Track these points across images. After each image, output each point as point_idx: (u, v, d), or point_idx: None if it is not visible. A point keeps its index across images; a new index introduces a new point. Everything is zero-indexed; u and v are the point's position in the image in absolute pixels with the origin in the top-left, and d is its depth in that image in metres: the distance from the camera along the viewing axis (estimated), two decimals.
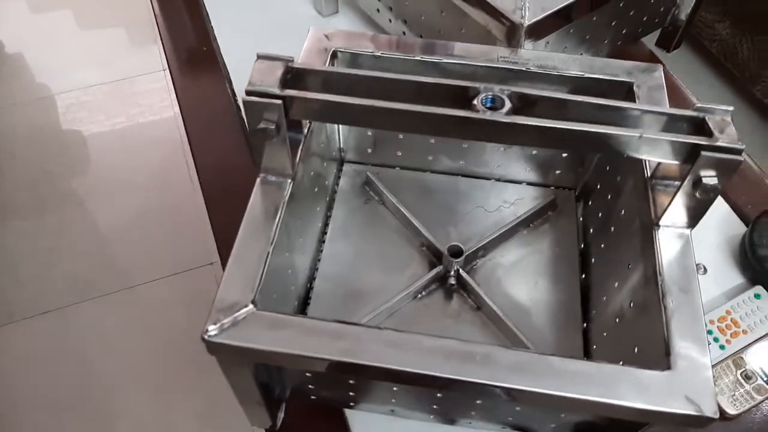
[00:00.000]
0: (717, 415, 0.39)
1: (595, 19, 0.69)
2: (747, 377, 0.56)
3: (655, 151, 0.45)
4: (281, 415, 0.55)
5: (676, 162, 0.46)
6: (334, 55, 0.57)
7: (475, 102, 0.44)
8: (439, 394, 0.49)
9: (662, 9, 0.78)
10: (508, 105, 0.44)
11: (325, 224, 0.65)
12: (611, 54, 0.76)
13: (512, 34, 0.60)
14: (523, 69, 0.56)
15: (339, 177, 0.68)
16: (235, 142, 0.76)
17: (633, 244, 0.52)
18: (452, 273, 0.60)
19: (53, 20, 1.99)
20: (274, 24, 0.87)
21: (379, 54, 0.57)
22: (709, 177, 0.45)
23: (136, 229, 1.53)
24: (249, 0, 0.90)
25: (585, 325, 0.59)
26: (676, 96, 0.78)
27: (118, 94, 1.82)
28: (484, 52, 0.57)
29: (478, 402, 0.50)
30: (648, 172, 0.52)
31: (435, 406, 0.52)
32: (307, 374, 0.50)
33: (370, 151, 0.68)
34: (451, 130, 0.45)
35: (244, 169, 0.72)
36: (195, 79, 0.87)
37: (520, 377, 0.41)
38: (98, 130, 1.75)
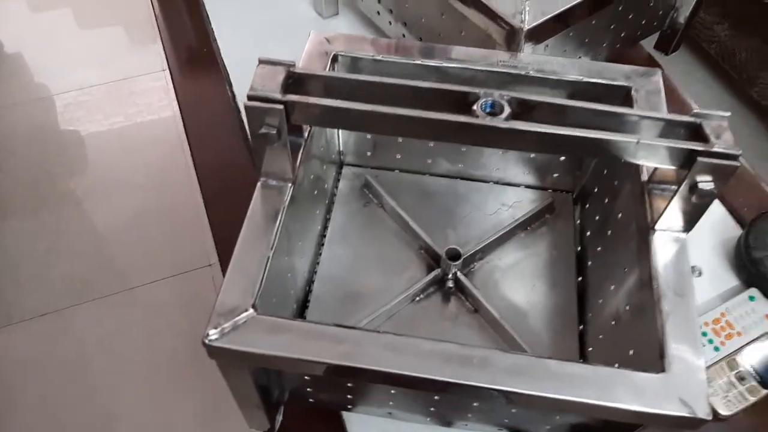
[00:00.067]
0: (710, 417, 0.40)
1: (594, 22, 0.69)
2: (741, 378, 0.57)
3: (652, 156, 0.46)
4: (279, 417, 0.56)
5: (673, 167, 0.46)
6: (334, 59, 0.57)
7: (474, 107, 0.45)
8: (436, 397, 0.50)
9: (661, 12, 0.79)
10: (507, 110, 0.45)
11: (324, 227, 0.65)
12: (610, 57, 0.76)
13: (512, 38, 0.60)
14: (522, 73, 0.56)
15: (338, 180, 0.69)
16: (235, 143, 0.77)
17: (629, 248, 0.53)
18: (450, 276, 0.61)
19: (53, 19, 1.99)
20: (274, 25, 0.87)
21: (379, 58, 0.57)
22: (705, 182, 0.45)
23: (134, 230, 1.53)
24: (249, 1, 0.90)
25: (581, 327, 0.59)
26: (674, 99, 0.78)
27: (117, 93, 1.82)
28: (484, 55, 0.57)
29: (475, 404, 0.50)
30: (645, 177, 0.52)
31: (432, 409, 0.52)
32: (306, 377, 0.51)
33: (369, 154, 0.69)
34: (451, 135, 0.46)
35: (244, 170, 0.73)
36: (195, 80, 0.88)
37: (518, 380, 0.41)
38: (97, 130, 1.75)
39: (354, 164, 0.70)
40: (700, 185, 0.45)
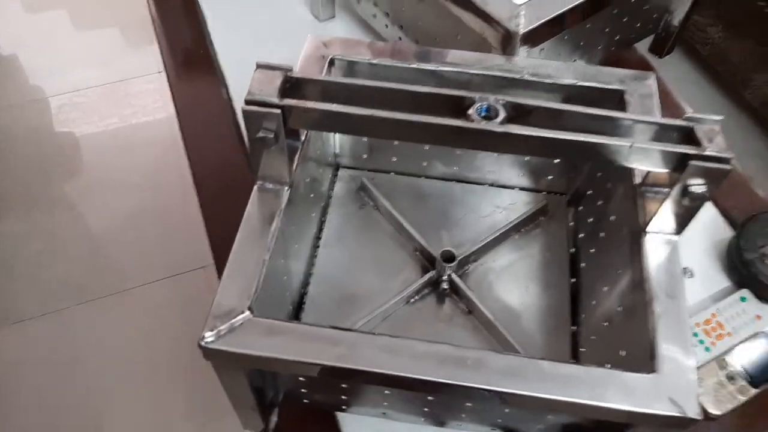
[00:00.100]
0: (700, 417, 0.41)
1: (589, 26, 0.70)
2: (731, 378, 0.58)
3: (645, 159, 0.46)
4: (274, 418, 0.56)
5: (666, 170, 0.47)
6: (331, 63, 0.58)
7: (470, 111, 0.45)
8: (430, 397, 0.50)
9: (655, 15, 0.79)
10: (502, 114, 0.45)
11: (320, 229, 0.66)
12: (605, 59, 0.76)
13: (507, 42, 0.60)
14: (518, 77, 0.56)
15: (334, 182, 0.69)
16: (230, 145, 0.77)
17: (622, 250, 0.53)
18: (445, 278, 0.61)
19: (48, 20, 1.99)
20: (271, 28, 0.87)
21: (375, 61, 0.58)
22: (697, 185, 0.46)
23: (129, 231, 1.53)
24: (245, 3, 0.90)
25: (574, 328, 0.60)
26: (667, 102, 0.79)
27: (112, 95, 1.81)
28: (480, 59, 0.58)
29: (468, 405, 0.51)
30: (638, 180, 0.53)
31: (426, 409, 0.53)
32: (301, 379, 0.51)
33: (365, 156, 0.69)
34: (447, 139, 0.46)
35: (239, 171, 0.73)
36: (191, 81, 0.88)
37: (511, 381, 0.42)
38: (92, 131, 1.74)
39: (350, 167, 0.70)
40: (692, 188, 0.46)
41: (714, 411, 0.56)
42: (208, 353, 0.43)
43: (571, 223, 0.66)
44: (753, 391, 0.57)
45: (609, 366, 0.43)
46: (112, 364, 1.33)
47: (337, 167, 0.70)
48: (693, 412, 0.40)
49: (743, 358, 0.59)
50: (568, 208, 0.68)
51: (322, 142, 0.64)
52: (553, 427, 0.52)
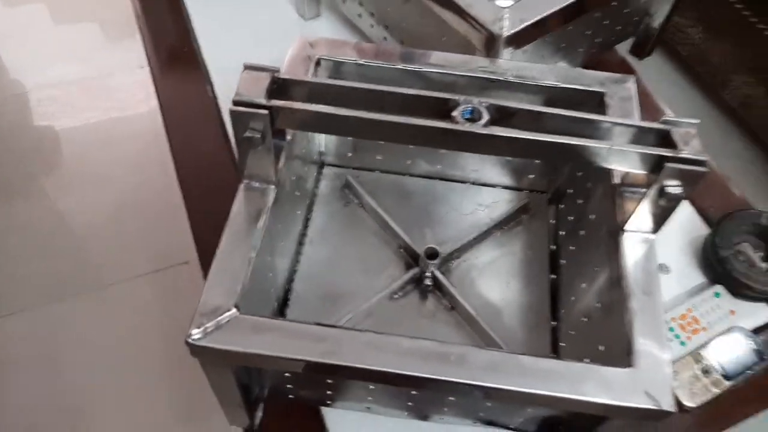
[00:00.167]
0: (674, 409, 0.42)
1: (571, 29, 0.71)
2: (705, 372, 0.59)
3: (623, 161, 0.48)
4: (259, 414, 0.57)
5: (643, 172, 0.48)
6: (317, 63, 0.58)
7: (454, 113, 0.46)
8: (414, 392, 0.51)
9: (635, 19, 0.81)
10: (486, 117, 0.46)
11: (305, 227, 0.66)
12: (586, 61, 0.78)
13: (491, 44, 0.61)
14: (501, 79, 0.57)
15: (319, 180, 0.70)
16: (215, 141, 0.76)
17: (600, 248, 0.55)
18: (428, 274, 0.62)
19: (27, 14, 1.95)
20: (256, 25, 0.87)
21: (361, 62, 0.58)
22: (673, 186, 0.47)
23: (110, 225, 1.51)
24: (231, 1, 0.90)
25: (554, 323, 0.61)
26: (647, 104, 0.80)
27: (93, 89, 1.79)
28: (464, 61, 0.59)
29: (451, 399, 0.52)
30: (617, 180, 0.54)
31: (410, 403, 0.54)
32: (286, 375, 0.52)
33: (350, 154, 0.70)
34: (432, 140, 0.47)
35: (224, 168, 0.73)
36: (175, 76, 0.87)
37: (493, 376, 0.43)
38: (72, 125, 1.72)
39: (335, 165, 0.71)
40: (669, 189, 0.47)
41: (689, 403, 0.58)
42: (195, 350, 0.44)
43: (552, 221, 0.68)
44: (727, 384, 0.59)
45: (588, 360, 0.45)
46: (94, 361, 1.32)
47: (322, 165, 0.71)
48: (668, 405, 0.42)
49: (718, 352, 0.60)
50: (549, 207, 0.69)
51: (308, 140, 0.64)
52: (533, 419, 0.54)
